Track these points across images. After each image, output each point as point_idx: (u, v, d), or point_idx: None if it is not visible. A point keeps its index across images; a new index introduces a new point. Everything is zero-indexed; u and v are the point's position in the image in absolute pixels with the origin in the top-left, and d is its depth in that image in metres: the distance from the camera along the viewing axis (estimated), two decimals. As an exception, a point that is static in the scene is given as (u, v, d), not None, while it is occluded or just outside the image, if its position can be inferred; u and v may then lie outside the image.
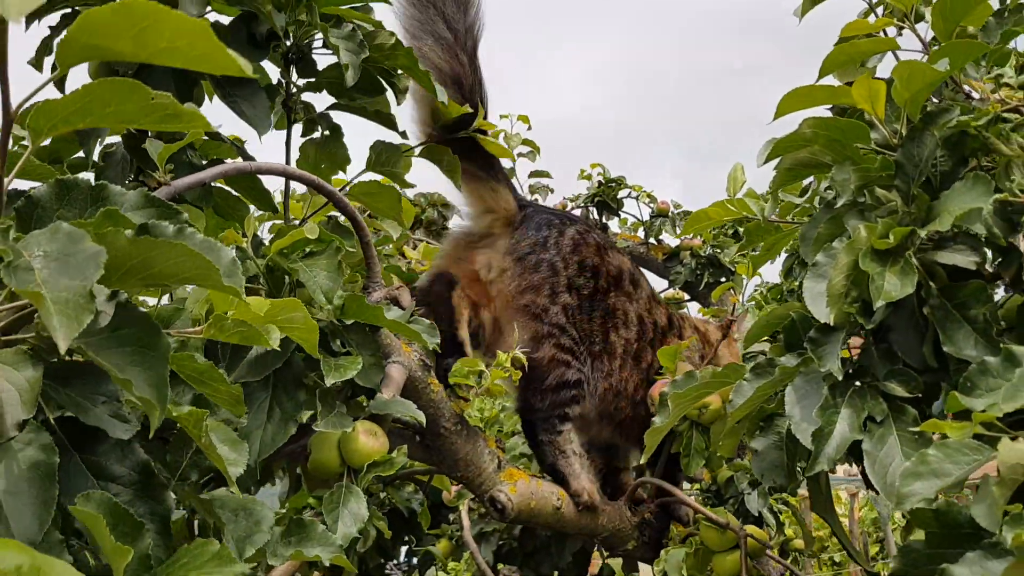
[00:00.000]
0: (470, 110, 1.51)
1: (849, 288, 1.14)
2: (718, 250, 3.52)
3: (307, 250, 1.21)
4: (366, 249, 1.28)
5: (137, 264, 0.68)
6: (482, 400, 1.46)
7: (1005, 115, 1.09)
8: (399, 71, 1.45)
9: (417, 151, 1.53)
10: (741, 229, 3.18)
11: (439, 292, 1.55)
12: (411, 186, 1.49)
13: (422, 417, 1.23)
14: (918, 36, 1.47)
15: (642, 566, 2.13)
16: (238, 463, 0.84)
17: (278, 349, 1.05)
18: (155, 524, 0.80)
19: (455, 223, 1.65)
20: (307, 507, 1.12)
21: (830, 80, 1.84)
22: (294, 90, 1.41)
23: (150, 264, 0.68)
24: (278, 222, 1.40)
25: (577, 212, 3.63)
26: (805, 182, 1.90)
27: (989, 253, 1.18)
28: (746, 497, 2.25)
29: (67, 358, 0.78)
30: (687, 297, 3.67)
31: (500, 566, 2.33)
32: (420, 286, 1.58)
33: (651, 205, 3.65)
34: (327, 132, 1.47)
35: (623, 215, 3.72)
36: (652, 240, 3.66)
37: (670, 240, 3.66)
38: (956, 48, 1.18)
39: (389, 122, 1.46)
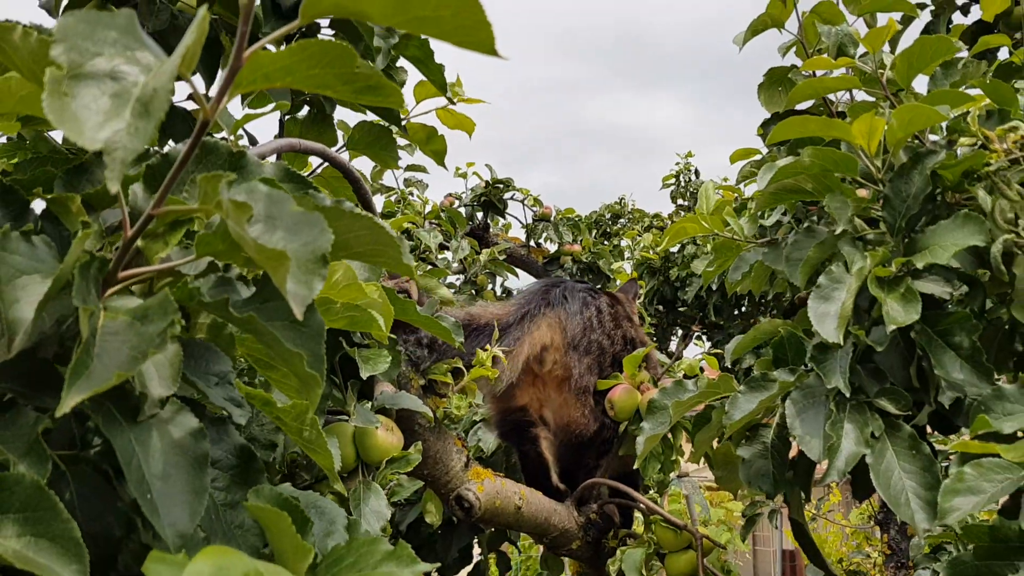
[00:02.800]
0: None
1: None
2: (597, 257, 3.63)
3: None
4: (375, 236, 1.24)
5: (320, 237, 0.63)
6: (459, 398, 1.44)
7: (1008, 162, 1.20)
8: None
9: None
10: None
11: (527, 451, 1.74)
12: (399, 167, 1.45)
13: (430, 413, 1.21)
14: (880, 82, 1.59)
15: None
16: (338, 458, 0.80)
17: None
18: (255, 512, 0.75)
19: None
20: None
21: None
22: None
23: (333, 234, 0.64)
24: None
25: (463, 210, 3.63)
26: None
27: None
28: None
29: (181, 334, 0.72)
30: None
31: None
32: (498, 428, 1.81)
33: (535, 209, 3.71)
34: (316, 111, 1.41)
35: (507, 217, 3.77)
36: (533, 243, 3.72)
37: (551, 245, 3.73)
38: (953, 96, 1.29)
39: (390, 116, 1.42)
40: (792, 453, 1.32)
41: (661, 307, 4.45)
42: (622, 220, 5.22)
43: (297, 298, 0.54)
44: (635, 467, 1.55)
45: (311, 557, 0.59)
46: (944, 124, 1.42)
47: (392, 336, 1.19)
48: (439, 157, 1.48)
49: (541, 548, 2.10)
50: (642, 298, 4.48)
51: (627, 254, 4.59)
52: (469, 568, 2.96)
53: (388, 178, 3.67)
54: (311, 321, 0.67)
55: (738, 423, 1.25)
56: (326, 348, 1.14)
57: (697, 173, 5.76)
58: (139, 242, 0.70)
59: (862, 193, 1.35)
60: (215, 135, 1.23)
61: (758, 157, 1.95)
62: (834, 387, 1.18)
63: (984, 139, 1.27)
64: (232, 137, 1.04)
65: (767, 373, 1.27)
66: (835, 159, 1.33)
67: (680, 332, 4.77)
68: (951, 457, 1.03)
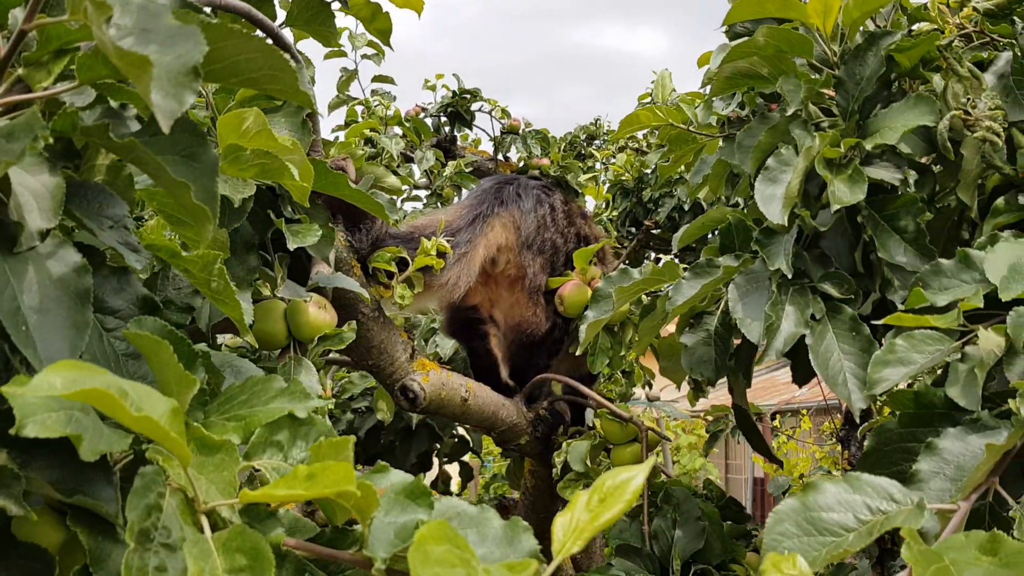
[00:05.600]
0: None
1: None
2: (566, 171, 3.57)
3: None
4: (310, 115, 1.19)
5: (205, 55, 0.59)
6: (403, 287, 1.42)
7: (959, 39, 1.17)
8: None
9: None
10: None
11: (476, 347, 1.73)
12: (340, 47, 1.39)
13: (366, 294, 1.18)
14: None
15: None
16: (248, 311, 0.78)
17: (244, 199, 0.98)
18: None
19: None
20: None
21: None
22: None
23: (219, 56, 0.60)
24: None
25: (429, 121, 3.56)
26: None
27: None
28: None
29: (72, 175, 0.68)
30: (529, 217, 3.72)
31: (357, 467, 2.30)
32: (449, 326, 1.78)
33: (503, 121, 3.64)
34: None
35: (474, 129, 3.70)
36: (501, 156, 3.66)
37: (517, 158, 3.67)
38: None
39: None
40: (738, 341, 1.31)
41: (634, 229, 4.42)
42: (597, 142, 5.16)
43: (163, 110, 0.51)
44: (582, 358, 1.54)
45: (195, 388, 0.56)
46: (908, 13, 1.38)
47: (324, 212, 1.16)
48: (384, 36, 1.42)
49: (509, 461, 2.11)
50: (615, 219, 4.45)
51: (601, 177, 4.54)
52: (432, 476, 2.99)
53: (355, 89, 3.58)
54: (203, 156, 0.63)
55: (681, 307, 1.23)
56: (255, 222, 1.10)
57: (674, 90, 5.68)
58: (21, 71, 0.66)
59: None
60: None
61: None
62: (777, 269, 1.16)
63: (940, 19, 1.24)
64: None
65: (712, 259, 1.25)
66: (790, 39, 1.29)
67: (652, 255, 4.75)
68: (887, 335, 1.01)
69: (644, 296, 1.46)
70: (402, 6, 1.44)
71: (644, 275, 1.28)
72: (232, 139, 0.78)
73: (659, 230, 4.49)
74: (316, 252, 1.11)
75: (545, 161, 3.65)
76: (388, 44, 1.45)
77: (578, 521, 0.51)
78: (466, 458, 3.03)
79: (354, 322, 1.14)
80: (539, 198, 1.74)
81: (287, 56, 0.63)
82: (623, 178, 4.53)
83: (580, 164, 3.81)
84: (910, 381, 0.94)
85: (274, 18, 1.36)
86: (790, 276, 1.15)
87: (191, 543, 0.50)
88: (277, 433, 0.60)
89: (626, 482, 0.52)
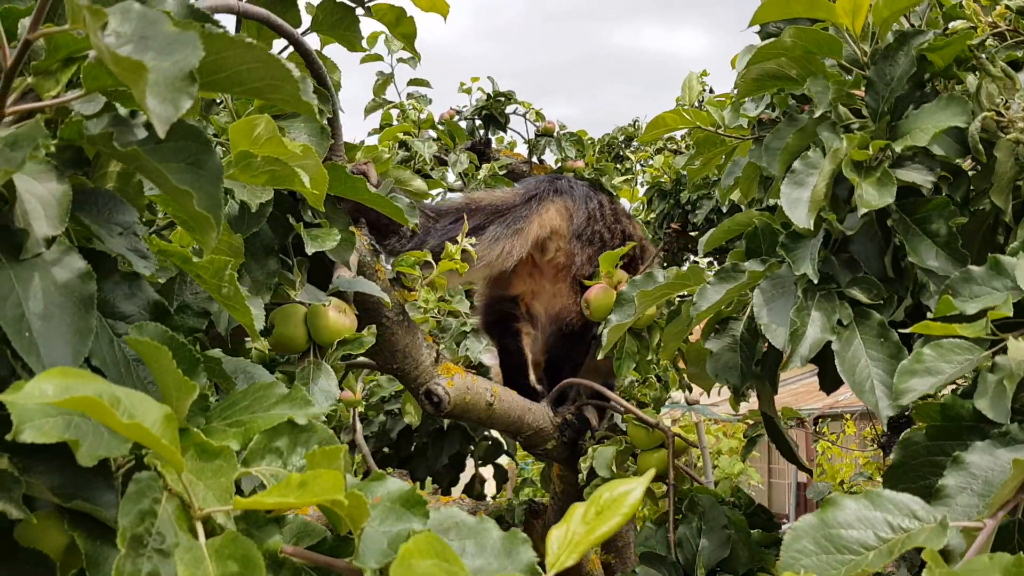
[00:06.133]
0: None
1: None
2: (600, 173, 3.56)
3: (278, 112, 1.11)
4: (333, 117, 1.20)
5: (207, 65, 0.59)
6: (427, 291, 1.41)
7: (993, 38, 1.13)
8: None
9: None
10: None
11: (508, 345, 1.72)
12: (364, 51, 1.40)
13: (387, 298, 1.18)
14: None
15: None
16: (260, 317, 0.78)
17: (262, 204, 0.98)
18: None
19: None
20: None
21: None
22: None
23: (220, 67, 0.60)
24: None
25: (464, 124, 3.56)
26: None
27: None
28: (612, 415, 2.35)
29: (83, 181, 0.69)
30: (565, 219, 3.70)
31: (389, 470, 2.31)
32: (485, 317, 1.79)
33: (537, 124, 3.63)
34: (279, -11, 1.35)
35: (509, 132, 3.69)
36: (535, 159, 3.65)
37: (554, 161, 3.66)
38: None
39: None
40: (764, 347, 1.29)
41: (671, 228, 4.38)
42: (635, 143, 5.13)
43: (159, 116, 0.51)
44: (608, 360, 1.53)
45: (194, 394, 0.56)
46: (943, 12, 1.35)
47: (345, 216, 1.16)
48: (409, 41, 1.42)
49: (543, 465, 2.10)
50: (653, 221, 4.42)
51: (639, 179, 4.51)
52: (467, 478, 2.98)
53: (391, 93, 3.59)
54: (207, 163, 0.63)
55: (705, 313, 1.21)
56: (275, 226, 1.11)
57: (712, 91, 5.63)
58: (31, 79, 0.66)
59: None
60: None
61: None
62: (803, 274, 1.14)
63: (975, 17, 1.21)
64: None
65: (738, 264, 1.23)
66: (818, 40, 1.26)
67: (691, 256, 4.70)
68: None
69: (675, 298, 1.44)
70: (428, 10, 1.44)
71: (668, 279, 1.27)
72: (244, 145, 0.78)
73: (695, 232, 4.45)
74: (336, 256, 1.11)
75: (580, 163, 3.64)
76: (412, 49, 1.45)
77: (573, 534, 0.50)
78: (502, 460, 3.03)
79: (374, 326, 1.14)
80: (589, 193, 1.77)
81: (291, 66, 0.62)
82: (660, 180, 4.50)
83: (616, 166, 3.79)
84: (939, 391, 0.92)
85: (299, 23, 1.37)
86: (816, 281, 1.13)
87: (183, 549, 0.50)
88: (276, 439, 0.60)
89: (623, 495, 0.51)
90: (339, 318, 1.11)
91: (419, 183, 1.49)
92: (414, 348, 1.45)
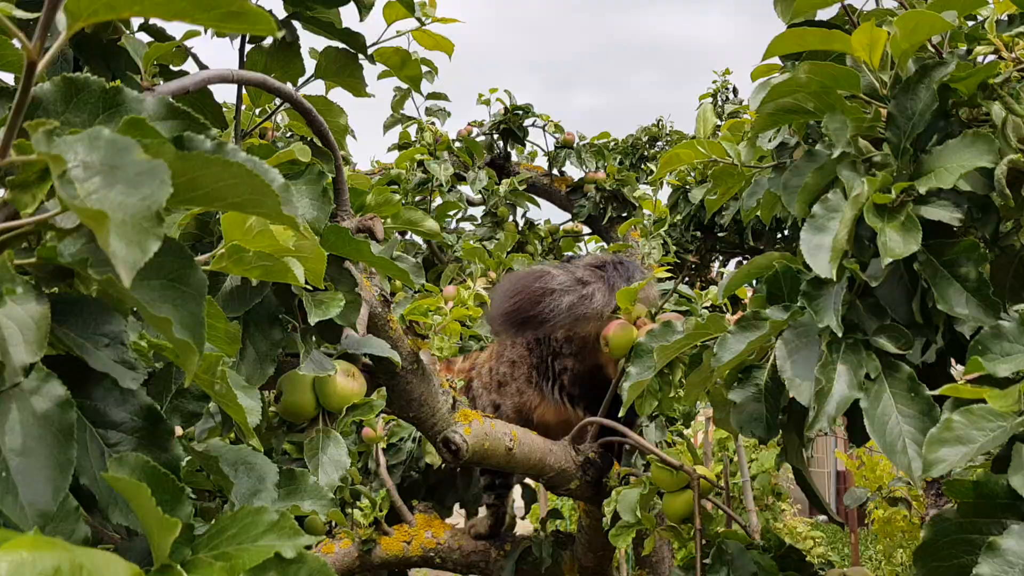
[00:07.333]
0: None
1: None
2: (622, 184, 3.51)
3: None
4: (337, 173, 1.17)
5: (182, 184, 0.57)
6: (440, 339, 1.39)
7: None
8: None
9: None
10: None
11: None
12: (370, 96, 1.37)
13: (397, 357, 1.15)
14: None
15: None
16: (253, 412, 0.75)
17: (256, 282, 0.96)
18: (166, 479, 0.71)
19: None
20: (284, 454, 1.03)
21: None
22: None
23: (198, 185, 0.58)
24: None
25: (481, 139, 3.53)
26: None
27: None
28: (643, 428, 2.32)
29: (67, 290, 0.67)
30: (587, 231, 3.67)
31: (414, 502, 2.29)
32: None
33: (556, 135, 3.59)
34: (281, 39, 1.33)
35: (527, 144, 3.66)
36: (556, 172, 3.62)
37: (574, 172, 3.63)
38: (961, 0, 1.17)
39: (353, 42, 1.32)
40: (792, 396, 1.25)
41: (699, 233, 4.32)
42: (659, 143, 5.06)
43: (123, 262, 0.48)
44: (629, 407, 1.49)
45: (176, 531, 0.54)
46: (964, 34, 1.29)
47: (351, 277, 1.13)
48: (415, 83, 1.40)
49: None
50: (679, 224, 4.34)
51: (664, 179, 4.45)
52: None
53: (409, 108, 3.57)
54: (190, 279, 0.61)
55: (726, 366, 1.17)
56: (279, 292, 1.08)
57: (735, 91, 5.55)
58: (7, 194, 0.64)
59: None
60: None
61: (778, 75, 1.82)
62: (826, 326, 1.09)
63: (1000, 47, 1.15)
64: (145, 71, 0.96)
65: (759, 312, 1.19)
66: (835, 75, 1.22)
67: (720, 259, 4.64)
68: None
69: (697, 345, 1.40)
70: (432, 48, 1.41)
71: (687, 330, 1.23)
72: (236, 237, 0.76)
73: (723, 232, 4.39)
74: (342, 321, 1.08)
75: (601, 175, 3.59)
76: (419, 90, 1.43)
77: None
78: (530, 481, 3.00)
79: (384, 389, 1.12)
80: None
81: (272, 176, 0.60)
82: (686, 181, 4.44)
83: (636, 174, 3.74)
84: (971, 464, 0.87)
85: (303, 72, 1.35)
86: (840, 334, 1.08)
87: None
88: (265, 574, 0.57)
89: None
90: (348, 383, 1.08)
91: (431, 224, 1.46)
92: (430, 396, 1.42)
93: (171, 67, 1.21)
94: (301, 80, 1.34)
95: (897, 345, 1.11)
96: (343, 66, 1.32)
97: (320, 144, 1.14)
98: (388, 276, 1.17)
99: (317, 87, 1.45)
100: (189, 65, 1.23)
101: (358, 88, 1.35)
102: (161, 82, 0.92)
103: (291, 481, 0.90)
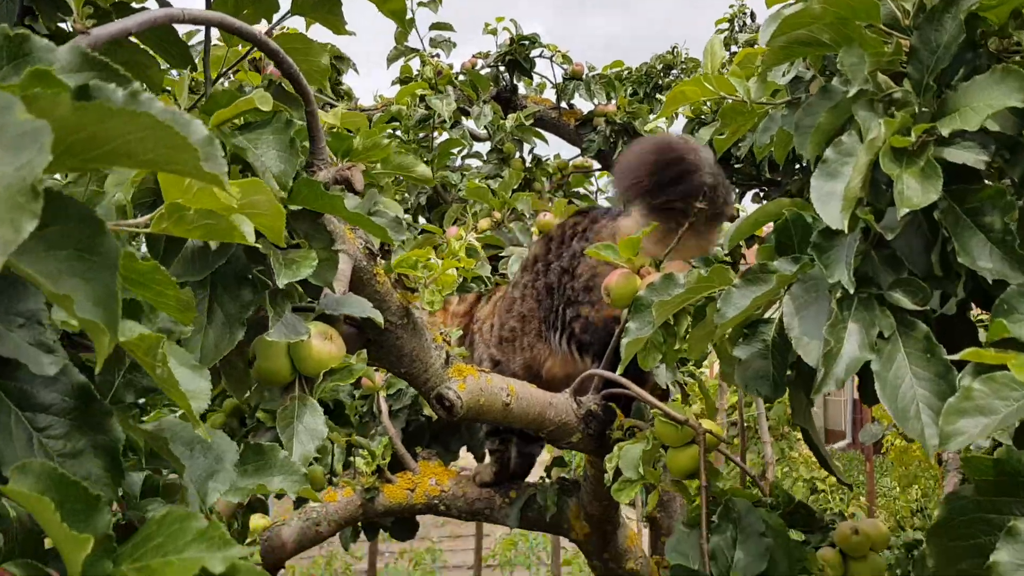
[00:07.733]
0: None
1: (858, 189, 1.04)
2: (632, 117, 3.39)
3: (243, 120, 1.01)
4: (310, 119, 1.09)
5: (82, 140, 0.49)
6: (432, 292, 1.32)
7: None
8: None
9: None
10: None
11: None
12: (351, 34, 1.28)
13: (379, 317, 1.09)
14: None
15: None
16: (200, 396, 0.69)
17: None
18: (102, 460, 0.65)
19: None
20: (257, 424, 0.97)
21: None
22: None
23: (101, 140, 0.50)
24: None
25: (487, 71, 3.41)
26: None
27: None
28: (654, 370, 2.25)
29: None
30: (597, 166, 3.56)
31: (418, 449, 2.25)
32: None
33: (565, 67, 3.46)
34: (254, -28, 1.23)
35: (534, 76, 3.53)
36: (564, 105, 3.50)
37: (583, 105, 3.51)
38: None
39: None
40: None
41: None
42: (674, 71, 4.90)
43: (-3, 242, 0.41)
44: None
45: (87, 547, 0.48)
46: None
47: (326, 233, 1.06)
48: (398, 17, 1.30)
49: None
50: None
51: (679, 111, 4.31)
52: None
53: (413, 39, 3.44)
54: (101, 247, 0.53)
55: (730, 322, 1.10)
56: (250, 250, 1.01)
57: (753, 16, 5.35)
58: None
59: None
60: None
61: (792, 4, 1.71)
62: (837, 281, 1.01)
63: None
64: (77, 13, 0.88)
65: (766, 264, 1.11)
66: (851, 5, 1.11)
67: (736, 191, 4.52)
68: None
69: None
70: (388, 15, 1.32)
71: (689, 284, 1.15)
72: (175, 195, 0.68)
73: (739, 164, 4.26)
74: (316, 280, 1.01)
75: (612, 107, 3.47)
76: (403, 25, 1.33)
77: None
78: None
79: (364, 352, 1.05)
80: None
81: (195, 127, 0.52)
82: (701, 111, 4.30)
83: (650, 106, 3.61)
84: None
85: (277, 8, 1.26)
86: (852, 290, 1.00)
87: None
88: (192, 591, 0.51)
89: None
90: (324, 346, 1.02)
91: (422, 169, 1.38)
92: (422, 351, 1.36)
93: (132, 4, 1.12)
94: (276, 16, 1.25)
95: (914, 300, 1.03)
96: (321, 1, 1.22)
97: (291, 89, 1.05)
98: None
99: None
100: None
101: (337, 25, 1.26)
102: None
103: (259, 456, 0.84)
